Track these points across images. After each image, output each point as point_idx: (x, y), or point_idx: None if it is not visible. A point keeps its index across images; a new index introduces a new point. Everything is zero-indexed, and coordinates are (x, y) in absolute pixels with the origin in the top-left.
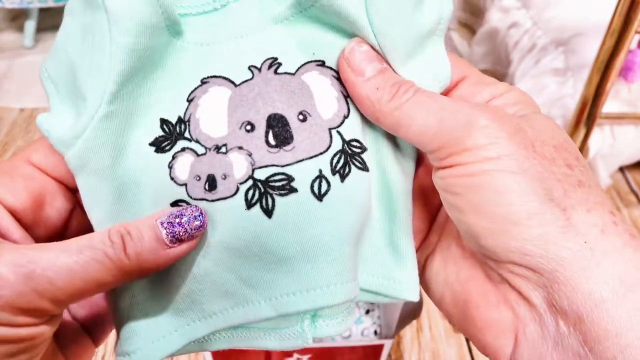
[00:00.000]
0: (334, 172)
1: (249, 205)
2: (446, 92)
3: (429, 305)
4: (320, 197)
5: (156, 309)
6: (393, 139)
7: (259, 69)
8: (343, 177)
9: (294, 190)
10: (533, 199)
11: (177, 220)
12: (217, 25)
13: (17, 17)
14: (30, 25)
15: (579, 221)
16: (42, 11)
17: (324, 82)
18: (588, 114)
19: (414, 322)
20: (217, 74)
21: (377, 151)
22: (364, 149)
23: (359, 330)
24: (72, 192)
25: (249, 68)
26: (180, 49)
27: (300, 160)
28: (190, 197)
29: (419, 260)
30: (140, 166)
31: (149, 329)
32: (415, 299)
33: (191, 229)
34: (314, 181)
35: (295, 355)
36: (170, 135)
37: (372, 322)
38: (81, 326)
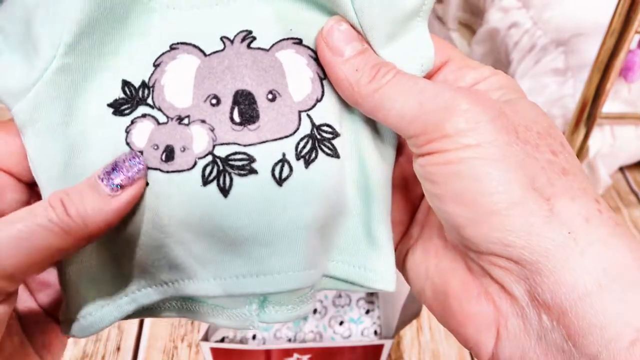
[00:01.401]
0: (298, 157)
1: (205, 181)
2: (429, 76)
3: None
4: (280, 181)
5: (106, 276)
6: (373, 125)
7: (232, 41)
8: (308, 163)
9: (254, 171)
10: (515, 187)
11: (114, 168)
12: None
13: None
14: None
15: (563, 210)
16: None
17: (300, 62)
18: (588, 114)
19: (414, 322)
20: (187, 41)
21: (354, 137)
22: (335, 135)
23: (359, 330)
24: (28, 185)
25: (221, 39)
26: (148, 10)
27: (264, 142)
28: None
29: (400, 252)
30: (95, 127)
31: (99, 294)
32: (391, 289)
33: (130, 174)
34: (275, 164)
35: (295, 355)
36: (132, 99)
37: (372, 322)
38: (50, 315)
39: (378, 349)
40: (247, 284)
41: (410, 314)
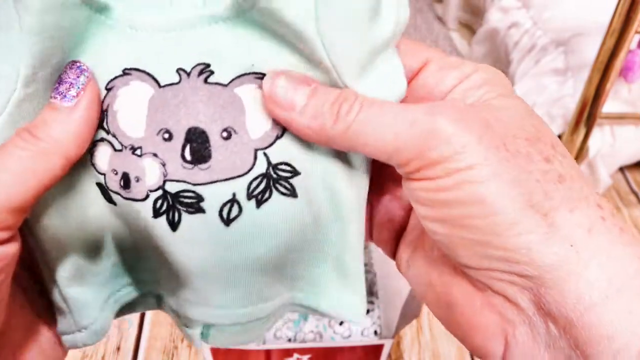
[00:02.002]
0: (249, 197)
1: (156, 214)
2: (408, 81)
3: None
4: (227, 221)
5: (92, 279)
6: (343, 155)
7: (188, 74)
8: (260, 203)
9: (202, 210)
10: (512, 207)
11: (60, 82)
12: (151, 9)
13: None
14: None
15: (563, 224)
16: None
17: (261, 97)
18: (588, 114)
19: (414, 322)
20: (141, 68)
21: (323, 170)
22: (294, 173)
23: (359, 330)
24: None
25: (177, 71)
26: (104, 27)
27: (214, 182)
28: (107, 187)
29: (402, 258)
30: None
31: (95, 298)
32: (358, 320)
33: (78, 81)
34: (224, 205)
35: (295, 355)
36: None
37: (372, 322)
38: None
39: (378, 349)
40: (193, 310)
41: (410, 314)
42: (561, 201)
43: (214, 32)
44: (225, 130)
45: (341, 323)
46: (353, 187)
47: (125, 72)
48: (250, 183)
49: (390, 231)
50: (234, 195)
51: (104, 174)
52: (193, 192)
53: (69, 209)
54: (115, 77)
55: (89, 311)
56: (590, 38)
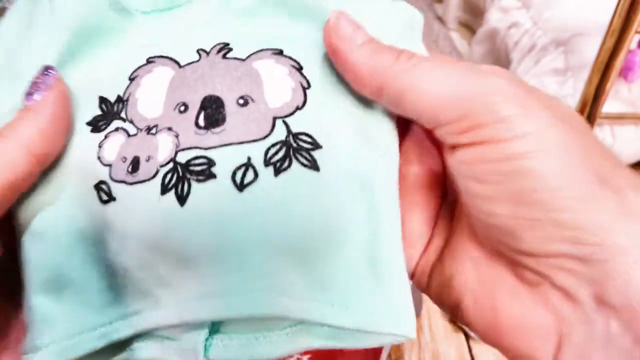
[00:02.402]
0: (267, 164)
1: (164, 189)
2: None
3: (429, 305)
4: (240, 187)
5: (75, 301)
6: (369, 133)
7: (207, 53)
8: (278, 171)
9: (213, 176)
10: (584, 180)
11: (31, 86)
12: (176, 12)
13: None
14: None
15: (634, 203)
16: None
17: (280, 71)
18: (588, 114)
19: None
20: (164, 54)
21: (347, 148)
22: (316, 146)
23: None
24: None
25: (197, 51)
26: (123, 17)
27: (227, 144)
28: (112, 179)
29: (422, 270)
30: (74, 146)
31: (66, 321)
32: (411, 335)
33: (45, 82)
34: (238, 168)
35: (295, 355)
36: (108, 114)
37: None
38: None
39: (378, 349)
40: (200, 307)
41: None
42: (627, 181)
43: (231, 15)
44: (241, 97)
45: None
46: (381, 171)
47: (149, 61)
48: (268, 149)
49: (416, 250)
50: (249, 159)
51: (110, 165)
52: (204, 157)
53: (58, 217)
54: (139, 67)
55: (51, 329)
56: (590, 38)
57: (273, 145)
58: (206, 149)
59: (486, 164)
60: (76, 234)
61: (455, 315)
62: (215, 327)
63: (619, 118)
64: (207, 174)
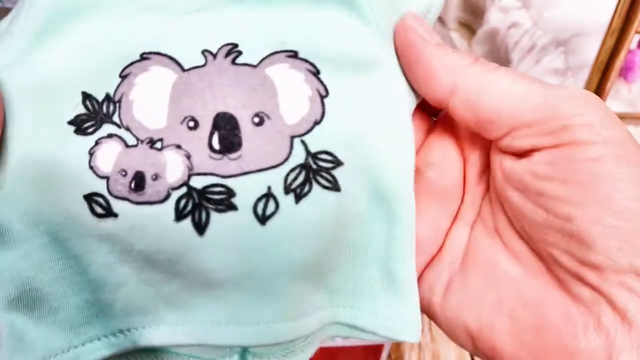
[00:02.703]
0: (287, 191)
1: (179, 216)
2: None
3: None
4: (263, 219)
5: (50, 320)
6: (388, 146)
7: (214, 55)
8: (299, 198)
9: (233, 207)
10: None
11: None
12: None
13: None
14: None
15: None
16: None
17: (296, 78)
18: None
19: None
20: (162, 51)
21: (368, 163)
22: (337, 164)
23: None
24: None
25: (203, 52)
26: (117, 6)
27: (246, 173)
28: (110, 194)
29: (432, 288)
30: (55, 147)
31: (41, 342)
32: (415, 339)
33: None
34: (259, 200)
35: None
36: (95, 115)
37: None
38: None
39: (378, 349)
40: (223, 333)
41: None
42: None
43: (238, 11)
44: (256, 115)
45: None
46: (401, 182)
47: (144, 57)
48: (288, 175)
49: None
50: (269, 188)
51: (107, 177)
52: (223, 185)
53: (29, 222)
54: (132, 63)
55: (23, 351)
56: (590, 38)
57: (292, 169)
58: (224, 177)
59: (574, 164)
60: (52, 244)
61: (477, 342)
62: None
63: (619, 118)
64: (227, 205)
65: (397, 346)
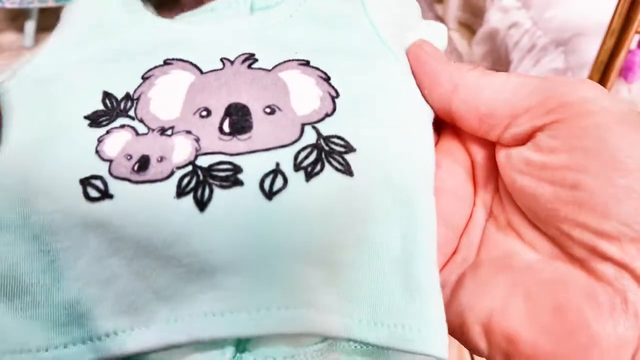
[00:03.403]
0: (297, 168)
1: (180, 193)
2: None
3: None
4: (269, 194)
5: (30, 314)
6: (403, 138)
7: (232, 62)
8: (310, 176)
9: (239, 183)
10: None
11: None
12: (197, 14)
13: (17, 17)
14: (30, 25)
15: None
16: (42, 11)
17: (307, 81)
18: None
19: None
20: (184, 58)
21: (383, 154)
22: (350, 149)
23: None
24: None
25: (222, 59)
26: (147, 23)
27: (255, 151)
28: (111, 175)
29: (443, 286)
30: (61, 136)
31: (18, 335)
32: (442, 355)
33: None
34: (266, 175)
35: None
36: (112, 110)
37: None
38: None
39: None
40: (220, 324)
41: None
42: None
43: (256, 21)
44: (268, 106)
45: None
46: (418, 181)
47: (167, 62)
48: (298, 153)
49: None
50: (277, 165)
51: (110, 161)
52: (229, 163)
53: (14, 208)
54: (155, 67)
55: (1, 340)
56: (590, 38)
57: (303, 148)
58: (232, 155)
59: (578, 131)
60: (42, 236)
61: (490, 334)
62: (240, 347)
63: None
64: (233, 181)
65: None
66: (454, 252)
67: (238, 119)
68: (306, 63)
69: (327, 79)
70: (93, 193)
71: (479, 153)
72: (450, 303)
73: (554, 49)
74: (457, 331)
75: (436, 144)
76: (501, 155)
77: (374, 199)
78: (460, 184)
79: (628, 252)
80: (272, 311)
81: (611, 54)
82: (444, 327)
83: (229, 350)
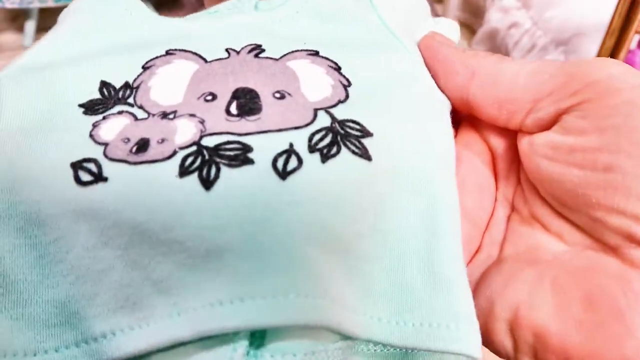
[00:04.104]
0: (312, 149)
1: (184, 172)
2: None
3: None
4: (283, 174)
5: (18, 313)
6: (424, 131)
7: (238, 52)
8: (326, 158)
9: (249, 161)
10: None
11: None
12: (200, 16)
13: (17, 17)
14: (30, 25)
15: None
16: (42, 11)
17: (317, 71)
18: None
19: None
20: (187, 49)
21: (400, 140)
22: (366, 134)
23: None
24: None
25: (226, 50)
26: (148, 20)
27: (265, 132)
28: (106, 157)
29: (469, 280)
30: (58, 121)
31: (5, 339)
32: (477, 354)
33: None
34: (279, 155)
35: None
36: (109, 99)
37: None
38: None
39: None
40: (226, 313)
41: None
42: None
43: (261, 16)
44: (277, 92)
45: None
46: (439, 170)
47: (169, 52)
48: (313, 135)
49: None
50: (291, 145)
51: (105, 144)
52: (238, 142)
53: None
54: (157, 57)
55: None
56: (590, 38)
57: (317, 131)
58: (240, 134)
59: (607, 110)
60: (30, 229)
61: (515, 330)
62: (254, 341)
63: None
64: (242, 159)
65: None
66: (477, 250)
67: (246, 102)
68: (315, 53)
69: (337, 68)
70: (85, 177)
71: (499, 144)
72: (473, 301)
73: (554, 49)
74: (481, 330)
75: (455, 137)
76: (523, 142)
77: (394, 187)
78: (482, 178)
79: None
80: (290, 298)
81: (611, 54)
82: (475, 323)
83: (241, 346)
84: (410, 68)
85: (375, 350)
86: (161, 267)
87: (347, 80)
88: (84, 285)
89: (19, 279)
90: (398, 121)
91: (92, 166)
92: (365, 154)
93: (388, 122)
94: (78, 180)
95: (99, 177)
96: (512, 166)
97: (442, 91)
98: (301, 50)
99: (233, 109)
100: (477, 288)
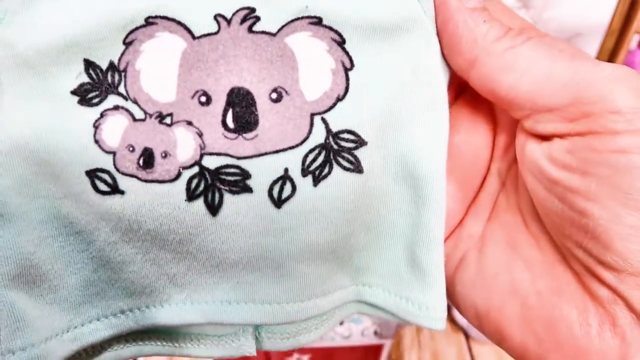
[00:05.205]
0: (305, 173)
1: (191, 196)
2: None
3: None
4: (278, 203)
5: (50, 299)
6: (419, 122)
7: (228, 21)
8: (317, 180)
9: (248, 189)
10: None
11: None
12: None
13: None
14: None
15: None
16: None
17: (318, 48)
18: None
19: None
20: (169, 15)
21: (396, 141)
22: (360, 143)
23: (359, 330)
24: None
25: (215, 17)
26: None
27: (262, 154)
28: (117, 170)
29: (448, 257)
30: (57, 118)
31: (41, 322)
32: (440, 327)
33: None
34: (274, 182)
35: (295, 355)
36: (99, 84)
37: (372, 322)
38: None
39: (378, 349)
40: (234, 311)
41: None
42: None
43: None
44: (274, 90)
45: (341, 323)
46: (432, 164)
47: (149, 22)
48: (306, 156)
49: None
50: (286, 171)
51: (114, 153)
52: (237, 167)
53: (27, 198)
54: (136, 28)
55: (25, 331)
56: (590, 38)
57: (311, 150)
58: (238, 158)
59: (595, 155)
60: (51, 221)
61: (483, 321)
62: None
63: None
64: (242, 187)
65: (397, 345)
66: (460, 223)
67: (242, 112)
68: (318, 21)
69: (341, 42)
70: (102, 187)
71: (504, 115)
72: (452, 282)
73: None
74: (453, 303)
75: (461, 95)
76: (520, 137)
77: (385, 187)
78: (476, 147)
79: (625, 282)
80: (281, 306)
81: (611, 54)
82: (443, 304)
83: (249, 329)
84: (423, 48)
85: (364, 308)
86: (177, 267)
87: (350, 60)
88: (104, 273)
89: (48, 269)
90: (394, 117)
91: (106, 177)
92: (357, 168)
93: (384, 121)
94: (96, 188)
95: (115, 189)
96: (513, 141)
97: (446, 61)
98: (302, 18)
99: (229, 121)
100: (456, 271)
